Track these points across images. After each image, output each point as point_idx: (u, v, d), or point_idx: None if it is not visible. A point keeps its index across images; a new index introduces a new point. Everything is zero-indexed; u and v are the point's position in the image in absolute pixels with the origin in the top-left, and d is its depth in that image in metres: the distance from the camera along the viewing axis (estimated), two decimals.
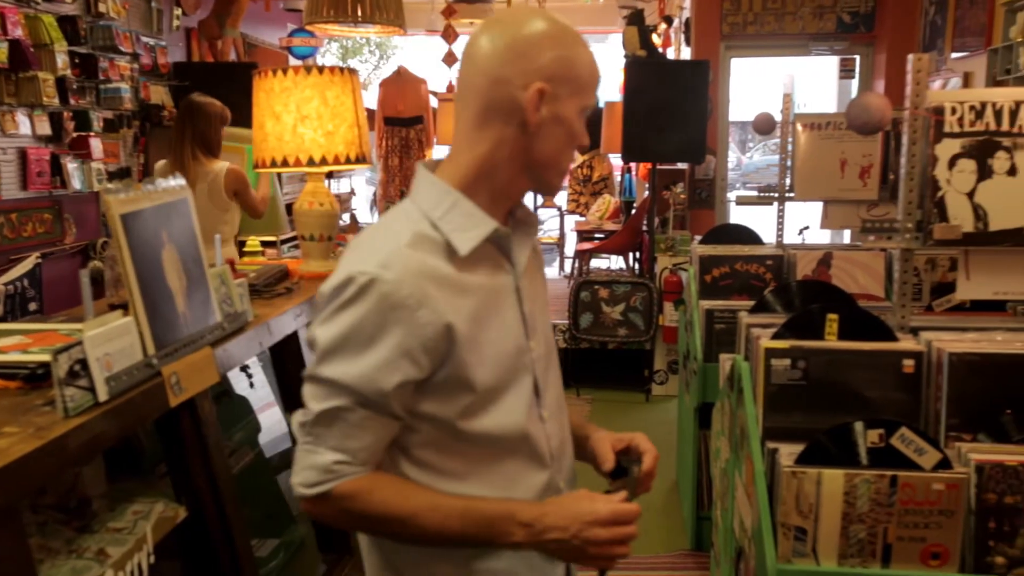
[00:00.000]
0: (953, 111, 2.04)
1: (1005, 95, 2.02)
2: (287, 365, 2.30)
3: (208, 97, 3.79)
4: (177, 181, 1.69)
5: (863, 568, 1.77)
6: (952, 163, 2.06)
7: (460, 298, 1.15)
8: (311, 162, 2.50)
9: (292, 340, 2.24)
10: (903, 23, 6.49)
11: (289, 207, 4.29)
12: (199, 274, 1.70)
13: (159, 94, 5.97)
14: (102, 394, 1.36)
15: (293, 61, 7.71)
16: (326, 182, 2.80)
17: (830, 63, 7.38)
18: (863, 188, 3.90)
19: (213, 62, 6.73)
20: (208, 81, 5.69)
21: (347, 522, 1.20)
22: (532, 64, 1.15)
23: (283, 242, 5.56)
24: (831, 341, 2.03)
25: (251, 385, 2.46)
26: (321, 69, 2.50)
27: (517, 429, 1.22)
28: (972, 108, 2.03)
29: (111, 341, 1.40)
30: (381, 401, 1.13)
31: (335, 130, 2.51)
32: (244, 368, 2.39)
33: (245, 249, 3.66)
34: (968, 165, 2.03)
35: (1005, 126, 2.01)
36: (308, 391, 1.17)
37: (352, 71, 2.59)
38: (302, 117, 2.46)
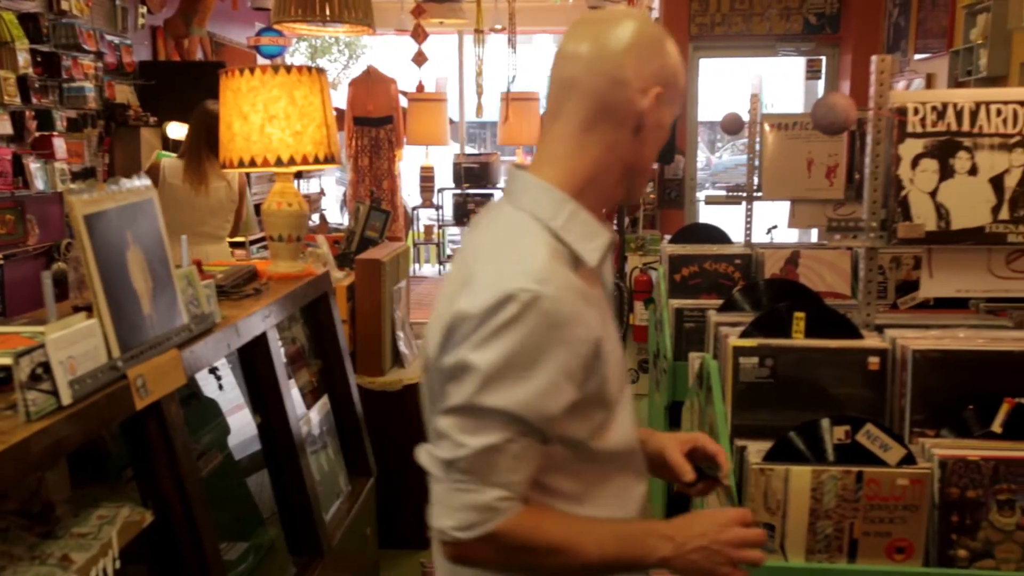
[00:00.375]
0: (916, 111, 2.06)
1: (965, 96, 2.05)
2: (256, 367, 2.28)
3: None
4: (142, 181, 1.67)
5: (830, 563, 1.79)
6: (915, 163, 2.09)
7: (595, 311, 1.12)
8: (279, 162, 2.48)
9: (261, 341, 2.23)
10: (867, 25, 6.57)
11: (258, 207, 4.26)
12: (165, 275, 1.68)
13: (124, 93, 5.89)
14: (65, 397, 1.34)
15: (261, 60, 7.65)
16: (295, 182, 2.79)
17: (797, 64, 7.46)
18: (829, 188, 3.94)
19: (179, 61, 6.65)
20: (174, 81, 5.63)
21: (506, 561, 1.12)
22: (651, 67, 1.13)
23: (252, 243, 5.51)
24: (798, 339, 2.05)
25: (220, 387, 2.44)
26: (289, 68, 2.48)
27: (632, 443, 1.20)
28: (934, 109, 2.06)
29: (75, 344, 1.38)
30: (545, 428, 1.08)
31: (303, 130, 2.49)
32: (213, 370, 2.37)
33: None
34: (930, 165, 2.06)
35: (966, 126, 2.04)
36: (459, 424, 1.07)
37: (320, 70, 2.57)
38: (270, 117, 2.45)
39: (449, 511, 1.10)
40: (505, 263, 1.08)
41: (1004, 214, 2.03)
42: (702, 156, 17.54)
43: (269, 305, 2.27)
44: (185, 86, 5.09)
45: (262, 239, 5.40)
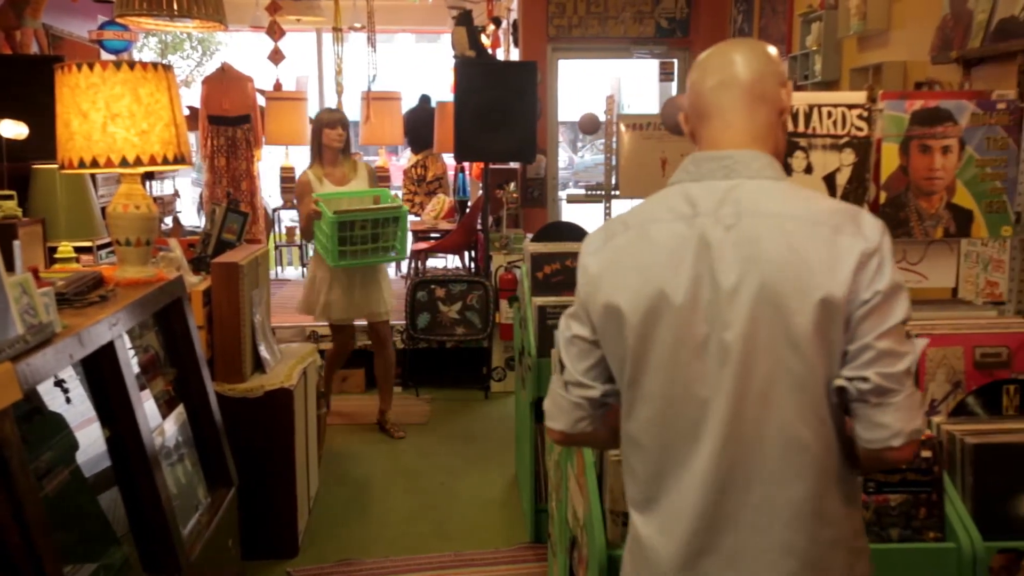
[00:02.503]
0: None
1: (800, 99, 2.18)
2: (104, 377, 2.17)
3: (325, 110, 4.60)
4: None
5: None
6: None
7: None
8: (124, 162, 2.37)
9: (108, 351, 2.12)
10: (714, 29, 6.88)
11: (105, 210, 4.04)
12: None
13: None
14: None
15: (106, 56, 7.26)
16: (146, 184, 2.66)
17: (652, 66, 7.72)
18: None
19: (11, 55, 6.22)
20: (5, 76, 5.25)
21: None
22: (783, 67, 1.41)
23: (100, 247, 5.23)
24: None
25: (68, 400, 2.31)
26: (132, 64, 2.37)
27: None
28: None
29: None
30: None
31: (150, 129, 2.39)
32: (60, 383, 2.24)
33: (57, 255, 3.42)
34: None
35: (801, 127, 2.17)
36: (900, 337, 1.25)
37: (167, 67, 2.47)
38: (112, 115, 2.33)
39: (918, 414, 1.28)
40: (845, 205, 1.32)
41: None
42: (564, 155, 17.88)
43: (116, 313, 2.17)
44: (17, 82, 4.76)
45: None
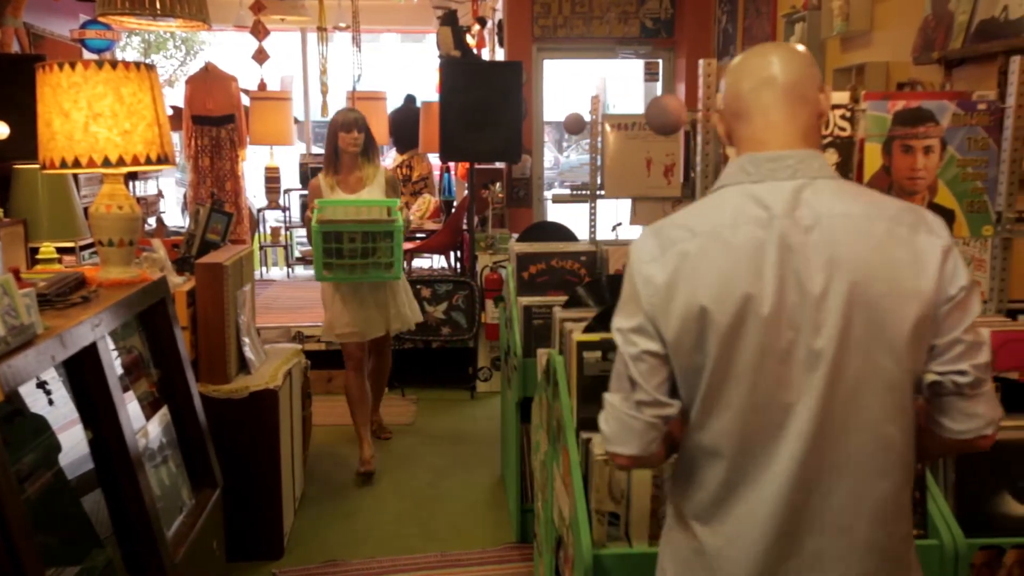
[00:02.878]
0: None
1: None
2: (87, 379, 2.15)
3: (340, 111, 4.12)
4: None
5: None
6: None
7: None
8: (107, 162, 2.35)
9: (91, 352, 2.10)
10: (699, 30, 6.91)
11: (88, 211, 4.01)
12: None
13: None
14: None
15: (88, 55, 7.21)
16: (129, 184, 2.65)
17: (637, 66, 7.74)
18: (667, 186, 4.11)
19: None
20: None
21: None
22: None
23: (82, 248, 5.19)
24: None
25: (51, 402, 2.29)
26: (115, 64, 2.35)
27: None
28: None
29: None
30: None
31: (132, 129, 2.37)
32: (42, 384, 2.22)
33: (39, 256, 3.39)
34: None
35: None
36: (979, 330, 1.30)
37: (150, 66, 2.45)
38: (95, 115, 2.31)
39: (998, 401, 1.33)
40: (908, 203, 1.33)
41: None
42: (550, 155, 17.89)
43: (99, 314, 2.15)
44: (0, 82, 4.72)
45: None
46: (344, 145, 3.94)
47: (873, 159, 2.21)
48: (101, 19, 3.83)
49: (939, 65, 3.69)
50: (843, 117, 2.23)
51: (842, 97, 2.24)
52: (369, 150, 4.04)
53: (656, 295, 1.29)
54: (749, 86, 1.34)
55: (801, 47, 1.39)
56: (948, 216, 2.23)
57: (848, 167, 2.21)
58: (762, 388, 1.25)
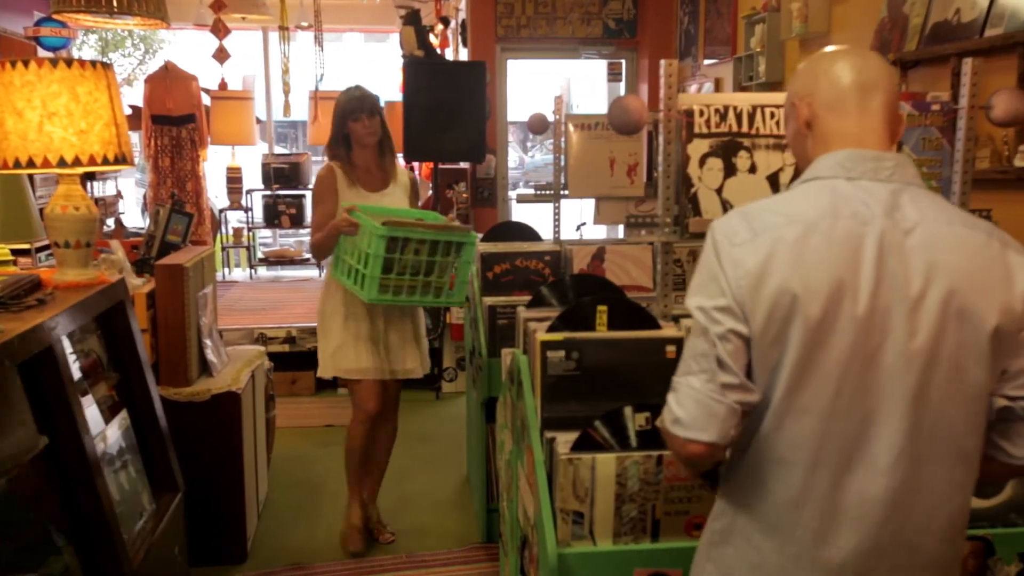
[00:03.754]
0: (701, 113, 2.21)
1: (744, 99, 2.22)
2: (42, 383, 2.11)
3: (345, 92, 3.26)
4: None
5: (635, 544, 1.88)
6: (702, 161, 2.23)
7: None
8: (62, 163, 2.31)
9: (47, 356, 2.07)
10: (661, 31, 6.96)
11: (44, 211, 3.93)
12: None
13: None
14: None
15: (43, 53, 7.08)
16: (87, 185, 2.60)
17: (601, 66, 7.77)
18: (631, 185, 4.14)
19: None
20: None
21: None
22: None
23: (38, 250, 5.09)
24: (601, 332, 2.14)
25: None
26: (70, 62, 2.31)
27: None
28: (717, 111, 2.21)
29: None
30: None
31: (89, 128, 2.33)
32: None
33: None
34: (716, 163, 2.21)
35: (745, 128, 2.21)
36: None
37: (106, 65, 2.42)
38: (49, 114, 2.27)
39: None
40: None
41: None
42: (514, 155, 17.90)
43: (55, 316, 2.12)
44: None
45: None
46: (357, 138, 3.17)
47: None
48: (56, 16, 3.76)
49: (895, 67, 3.76)
50: None
51: None
52: (385, 140, 3.25)
53: (746, 278, 1.21)
54: (856, 83, 1.30)
55: None
56: None
57: None
58: (846, 393, 1.19)
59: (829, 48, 1.39)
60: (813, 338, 1.19)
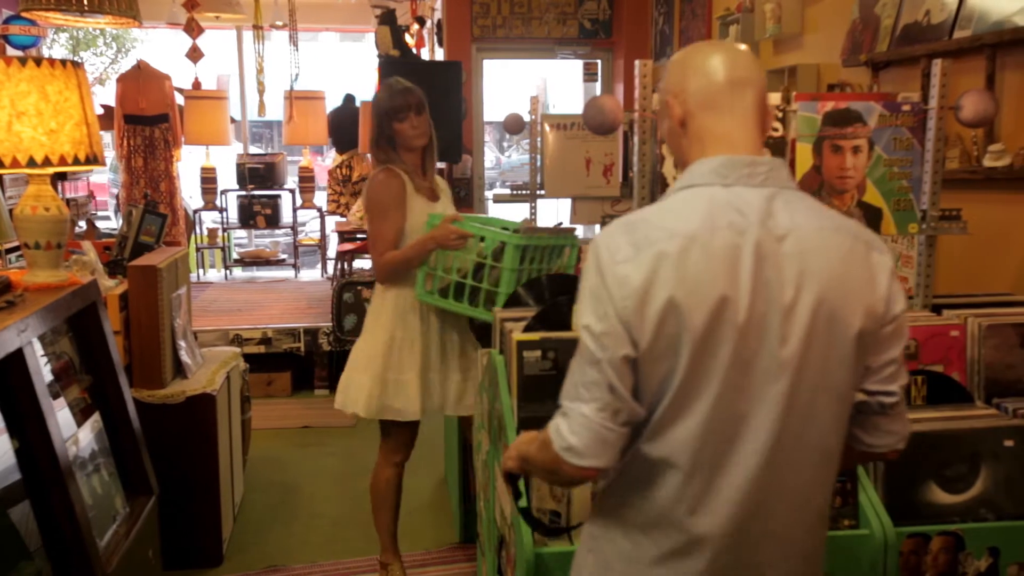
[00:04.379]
0: None
1: None
2: (13, 386, 2.09)
3: (386, 86, 2.87)
4: None
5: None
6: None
7: None
8: (32, 163, 2.28)
9: (16, 358, 2.04)
10: (636, 31, 6.99)
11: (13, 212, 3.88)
12: None
13: None
14: None
15: (12, 51, 6.99)
16: (58, 185, 2.57)
17: (577, 66, 7.79)
18: (607, 185, 4.16)
19: None
20: None
21: None
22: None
23: (8, 251, 5.03)
24: (577, 332, 2.14)
25: None
26: (39, 61, 2.28)
27: None
28: None
29: None
30: None
31: (59, 128, 2.31)
32: None
33: None
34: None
35: None
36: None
37: (77, 64, 2.39)
38: (18, 113, 2.24)
39: (908, 421, 1.39)
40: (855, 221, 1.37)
41: None
42: (491, 155, 17.90)
43: (26, 318, 2.09)
44: None
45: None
46: (406, 140, 2.78)
47: (804, 159, 2.27)
48: (25, 15, 3.72)
49: (867, 67, 3.80)
50: (775, 118, 2.28)
51: (774, 98, 2.28)
52: (431, 144, 2.87)
53: (631, 297, 1.21)
54: (728, 79, 1.31)
55: None
56: (876, 214, 2.30)
57: None
58: (725, 397, 1.23)
59: (699, 43, 1.39)
60: (699, 349, 1.22)
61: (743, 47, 1.38)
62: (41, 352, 2.27)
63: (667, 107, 1.37)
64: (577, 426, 1.25)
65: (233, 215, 8.05)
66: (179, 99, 7.34)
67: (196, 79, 7.44)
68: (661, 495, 1.28)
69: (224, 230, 8.00)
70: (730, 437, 1.24)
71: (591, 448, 1.24)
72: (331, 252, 7.91)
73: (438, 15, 7.53)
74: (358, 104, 7.51)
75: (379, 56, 5.85)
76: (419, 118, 2.76)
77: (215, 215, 8.06)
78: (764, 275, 1.22)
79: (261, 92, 6.35)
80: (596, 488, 1.45)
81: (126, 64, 13.68)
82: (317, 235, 8.72)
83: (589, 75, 7.53)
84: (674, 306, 1.20)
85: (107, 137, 7.14)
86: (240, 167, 7.87)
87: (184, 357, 3.25)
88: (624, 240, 1.26)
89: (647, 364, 1.23)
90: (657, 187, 2.28)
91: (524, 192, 4.07)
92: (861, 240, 1.29)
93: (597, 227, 5.67)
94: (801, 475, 1.27)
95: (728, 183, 1.27)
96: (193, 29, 6.89)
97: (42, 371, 2.20)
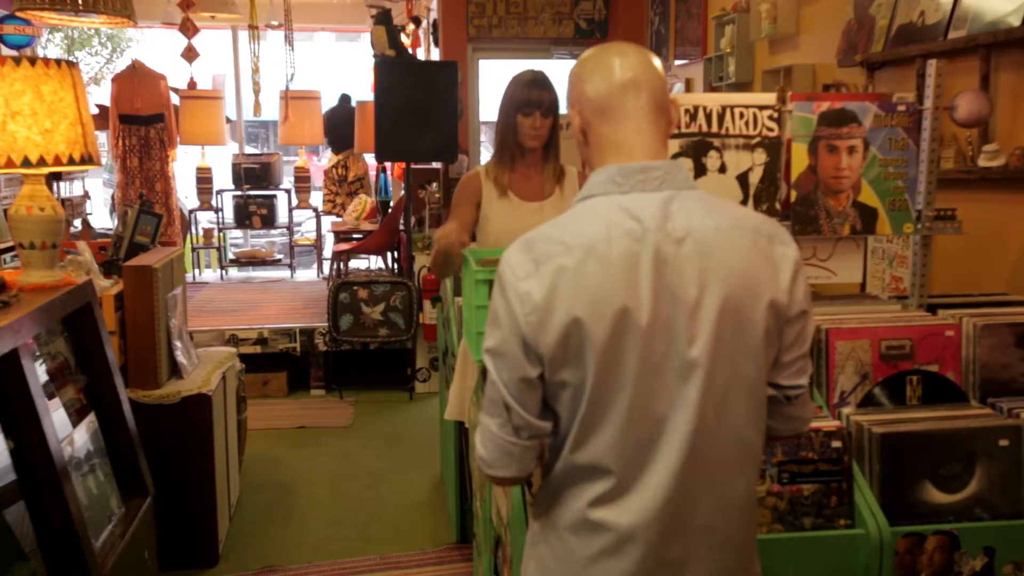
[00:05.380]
0: None
1: (713, 100, 2.23)
2: (7, 386, 2.08)
3: (516, 78, 2.74)
4: None
5: None
6: None
7: None
8: (26, 163, 2.28)
9: (11, 359, 2.03)
10: (632, 31, 6.98)
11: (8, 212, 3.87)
12: None
13: None
14: None
15: (7, 51, 6.97)
16: (54, 185, 2.57)
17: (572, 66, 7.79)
18: None
19: None
20: None
21: None
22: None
23: (3, 251, 5.02)
24: None
25: None
26: (34, 61, 2.28)
27: None
28: (687, 111, 2.22)
29: None
30: None
31: (54, 128, 2.30)
32: None
33: None
34: (686, 163, 2.23)
35: (715, 128, 2.22)
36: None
37: (71, 63, 2.38)
38: (12, 113, 2.23)
39: (812, 405, 1.46)
40: (762, 215, 1.38)
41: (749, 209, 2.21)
42: (487, 155, 17.87)
43: (20, 319, 2.08)
44: None
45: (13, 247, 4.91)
46: (523, 138, 2.69)
47: (800, 159, 2.27)
48: (20, 14, 3.71)
49: (862, 67, 3.80)
50: (771, 118, 2.28)
51: (770, 98, 2.29)
52: (551, 142, 2.74)
53: (534, 313, 1.23)
54: (617, 83, 1.31)
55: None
56: (872, 214, 2.30)
57: (776, 167, 2.26)
58: (639, 401, 1.25)
59: (593, 48, 1.38)
60: (605, 359, 1.23)
61: (634, 46, 1.37)
62: (36, 352, 2.26)
63: (571, 119, 1.39)
64: (485, 439, 1.34)
65: (229, 215, 8.05)
66: (174, 99, 7.34)
67: (191, 79, 7.43)
68: (590, 497, 1.30)
69: (220, 230, 7.99)
70: (651, 438, 1.26)
71: (499, 460, 1.33)
72: (327, 252, 7.91)
73: (434, 15, 7.53)
74: (353, 104, 7.51)
75: (375, 56, 5.84)
76: (544, 121, 2.66)
77: (211, 215, 8.05)
78: (665, 279, 1.24)
79: (257, 92, 6.34)
80: (532, 492, 1.48)
81: (121, 64, 13.65)
82: (313, 235, 8.71)
83: None
84: (576, 320, 1.22)
85: (102, 137, 7.13)
86: (236, 167, 7.86)
87: (180, 357, 3.25)
88: (524, 256, 1.27)
89: (555, 375, 1.26)
90: None
91: None
92: (763, 234, 1.30)
93: None
94: (724, 469, 1.30)
95: (625, 190, 1.29)
96: (188, 29, 6.88)
97: (37, 372, 2.19)
